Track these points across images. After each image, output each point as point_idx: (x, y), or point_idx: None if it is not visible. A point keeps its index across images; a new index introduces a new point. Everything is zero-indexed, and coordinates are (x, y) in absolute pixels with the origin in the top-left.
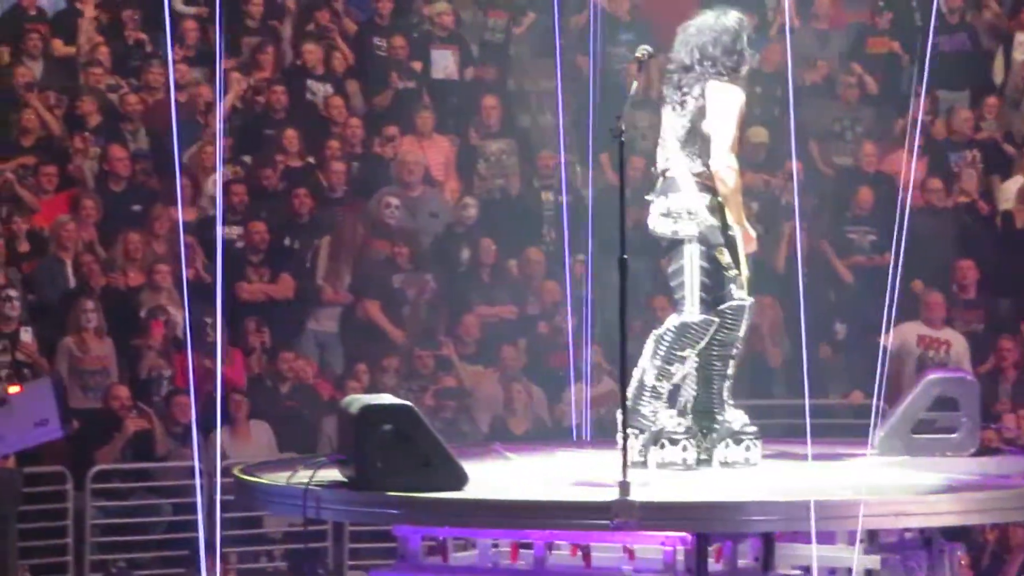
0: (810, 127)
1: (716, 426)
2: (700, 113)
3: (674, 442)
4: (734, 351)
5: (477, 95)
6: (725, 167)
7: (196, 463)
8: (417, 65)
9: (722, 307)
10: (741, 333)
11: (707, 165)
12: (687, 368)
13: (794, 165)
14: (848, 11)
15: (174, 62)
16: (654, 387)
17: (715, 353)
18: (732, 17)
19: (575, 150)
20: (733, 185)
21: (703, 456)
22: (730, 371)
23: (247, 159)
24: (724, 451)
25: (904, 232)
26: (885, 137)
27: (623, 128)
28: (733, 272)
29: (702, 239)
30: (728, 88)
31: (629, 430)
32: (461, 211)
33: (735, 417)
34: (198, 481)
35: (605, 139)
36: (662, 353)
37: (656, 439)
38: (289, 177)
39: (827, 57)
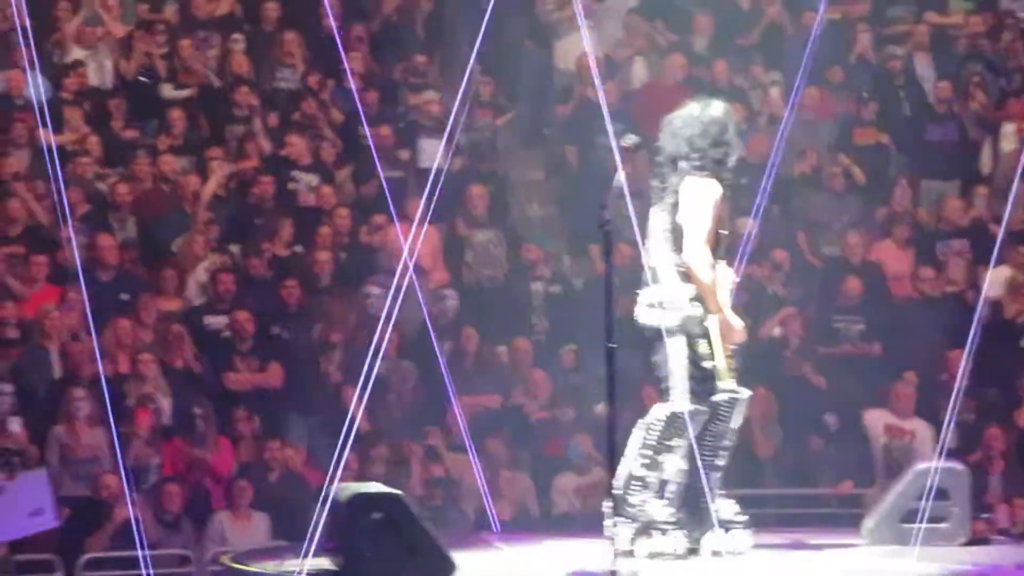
0: (798, 217)
1: (706, 515)
2: (677, 206)
3: (663, 532)
4: (726, 442)
5: (464, 185)
6: (697, 259)
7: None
8: (404, 154)
9: (715, 398)
10: (733, 425)
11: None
12: (677, 459)
13: None
14: (835, 101)
15: (159, 152)
16: (642, 477)
17: (707, 443)
18: (718, 108)
19: (562, 240)
20: (705, 278)
21: (693, 546)
22: (720, 462)
23: (234, 248)
24: (713, 540)
25: (893, 322)
26: (871, 226)
27: (608, 218)
28: (709, 364)
29: (684, 330)
30: (703, 182)
31: (618, 520)
32: (440, 302)
33: (725, 506)
34: None
35: (593, 229)
36: (651, 443)
37: (645, 529)
38: (276, 266)
39: (814, 147)
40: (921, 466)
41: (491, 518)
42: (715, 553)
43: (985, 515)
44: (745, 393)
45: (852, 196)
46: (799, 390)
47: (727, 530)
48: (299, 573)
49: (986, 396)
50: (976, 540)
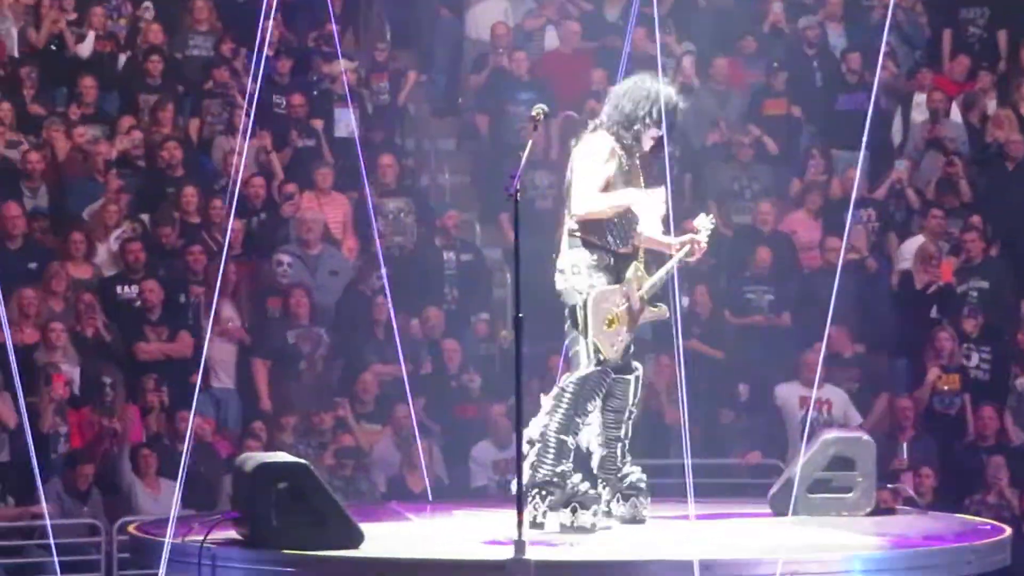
0: (709, 187)
1: (612, 484)
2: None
3: (581, 505)
4: (624, 415)
5: (375, 154)
6: (583, 206)
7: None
8: (318, 123)
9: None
10: (630, 401)
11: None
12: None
13: None
14: (746, 71)
15: (71, 120)
16: (561, 442)
17: (608, 414)
18: (653, 83)
19: (473, 209)
20: (595, 209)
21: (604, 515)
22: (621, 432)
23: (144, 217)
24: (616, 507)
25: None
26: (782, 196)
27: (517, 187)
28: (589, 339)
29: (587, 296)
30: (592, 136)
31: (534, 490)
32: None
33: (632, 474)
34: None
35: (503, 198)
36: (564, 408)
37: (567, 502)
38: (187, 234)
39: (726, 117)
40: (827, 435)
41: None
42: (624, 521)
43: (891, 485)
44: (634, 372)
45: (762, 166)
46: (709, 360)
47: (630, 498)
48: (205, 543)
49: (895, 367)
50: (882, 510)
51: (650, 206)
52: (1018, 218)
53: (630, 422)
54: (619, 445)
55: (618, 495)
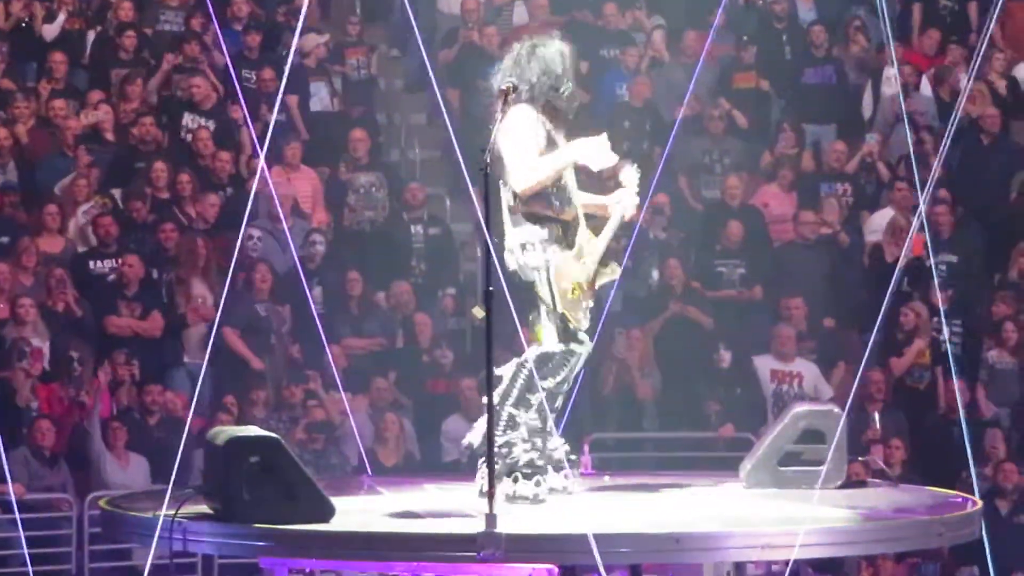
0: (679, 161)
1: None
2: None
3: (527, 476)
4: (564, 387)
5: (346, 128)
6: (523, 182)
7: None
8: (292, 99)
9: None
10: (573, 373)
11: (514, 195)
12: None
13: None
14: (715, 44)
15: (41, 95)
16: (511, 416)
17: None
18: (552, 44)
19: (445, 183)
20: (534, 182)
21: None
22: (557, 404)
23: (116, 192)
24: (554, 480)
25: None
26: (753, 170)
27: (488, 160)
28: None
29: (547, 269)
30: (512, 111)
31: (480, 460)
32: (310, 247)
33: (560, 445)
34: None
35: (475, 172)
36: (521, 382)
37: (509, 471)
38: (158, 210)
39: (695, 91)
40: (798, 408)
41: (364, 461)
42: (552, 491)
43: (862, 457)
44: (583, 347)
45: (733, 140)
46: (681, 334)
47: (561, 469)
48: (176, 517)
49: (865, 341)
50: (853, 483)
51: (596, 152)
52: (992, 192)
53: (563, 395)
54: (552, 416)
55: (548, 466)
